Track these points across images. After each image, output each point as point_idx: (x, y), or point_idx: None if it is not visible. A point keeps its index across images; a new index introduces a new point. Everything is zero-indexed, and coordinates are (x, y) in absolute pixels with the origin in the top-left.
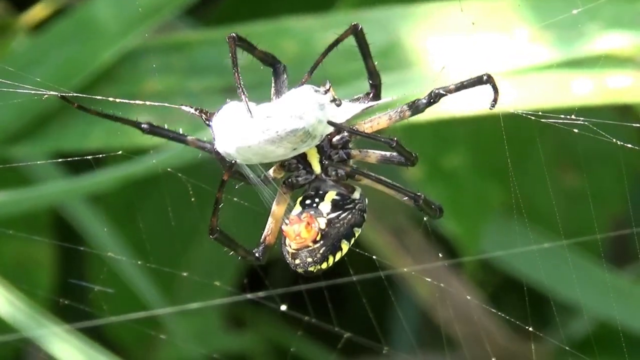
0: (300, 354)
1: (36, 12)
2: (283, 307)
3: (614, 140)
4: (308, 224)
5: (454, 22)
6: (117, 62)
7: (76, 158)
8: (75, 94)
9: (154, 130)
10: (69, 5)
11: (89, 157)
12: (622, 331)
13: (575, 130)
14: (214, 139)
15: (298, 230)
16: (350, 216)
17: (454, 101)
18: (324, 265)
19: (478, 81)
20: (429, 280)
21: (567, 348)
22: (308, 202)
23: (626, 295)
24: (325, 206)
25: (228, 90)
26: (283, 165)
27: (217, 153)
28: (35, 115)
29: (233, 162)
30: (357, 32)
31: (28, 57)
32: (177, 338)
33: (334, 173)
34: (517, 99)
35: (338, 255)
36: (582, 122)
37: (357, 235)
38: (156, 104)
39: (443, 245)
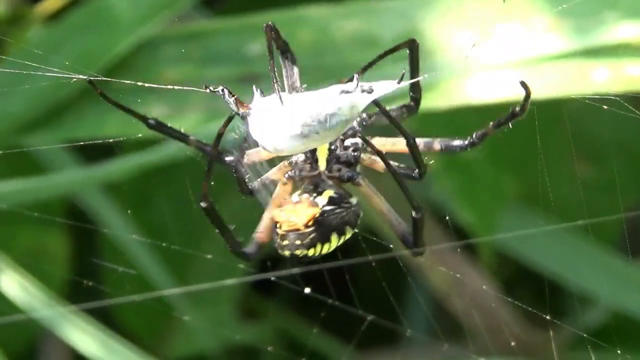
0: (318, 342)
1: (51, 2)
2: (307, 290)
3: None
4: (308, 205)
5: (472, 10)
6: (133, 52)
7: (93, 142)
8: (102, 78)
9: (159, 126)
10: None
11: (109, 140)
12: (639, 321)
13: (605, 107)
14: (248, 130)
15: (293, 211)
16: (344, 213)
17: (472, 90)
18: (311, 252)
19: (512, 116)
20: (444, 270)
21: (585, 335)
22: (305, 195)
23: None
24: (321, 200)
25: (244, 79)
26: (291, 161)
27: (219, 158)
28: (50, 104)
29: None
30: (413, 47)
31: (43, 47)
32: (191, 328)
33: (337, 172)
34: (535, 87)
35: (326, 247)
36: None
37: (348, 235)
38: (185, 88)
39: (459, 236)
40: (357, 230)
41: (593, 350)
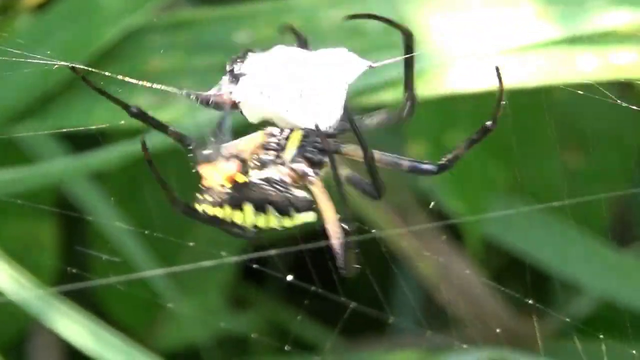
0: (303, 331)
1: None
2: (289, 277)
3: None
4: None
5: None
6: (120, 41)
7: (81, 129)
8: (85, 68)
9: (141, 114)
10: None
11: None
12: (626, 310)
13: (580, 92)
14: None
15: (216, 169)
16: (273, 194)
17: (458, 78)
18: (217, 212)
19: (483, 132)
20: (431, 256)
21: (567, 320)
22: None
23: (630, 274)
24: (258, 174)
25: None
26: (263, 145)
27: (195, 147)
28: (37, 93)
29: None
30: (408, 37)
31: (30, 37)
32: (180, 316)
33: (298, 165)
34: (522, 75)
35: (238, 215)
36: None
37: (272, 217)
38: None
39: (446, 225)
40: (293, 221)
41: (580, 339)
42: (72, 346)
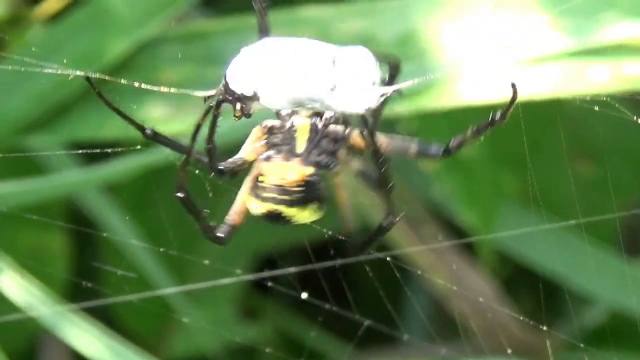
0: (317, 345)
1: (51, 3)
2: (304, 295)
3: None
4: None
5: (471, 9)
6: (133, 53)
7: (94, 150)
8: (100, 76)
9: (155, 136)
10: None
11: (107, 149)
12: (638, 321)
13: (596, 108)
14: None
15: (285, 167)
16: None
17: (469, 90)
18: (286, 211)
19: (491, 124)
20: (443, 270)
21: (580, 345)
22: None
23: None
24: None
25: None
26: (268, 140)
27: (218, 170)
28: (50, 105)
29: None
30: (396, 65)
31: (43, 48)
32: (191, 328)
33: (316, 157)
34: (534, 86)
35: (300, 215)
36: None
37: (316, 212)
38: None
39: (459, 235)
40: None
41: (590, 351)
42: (82, 356)
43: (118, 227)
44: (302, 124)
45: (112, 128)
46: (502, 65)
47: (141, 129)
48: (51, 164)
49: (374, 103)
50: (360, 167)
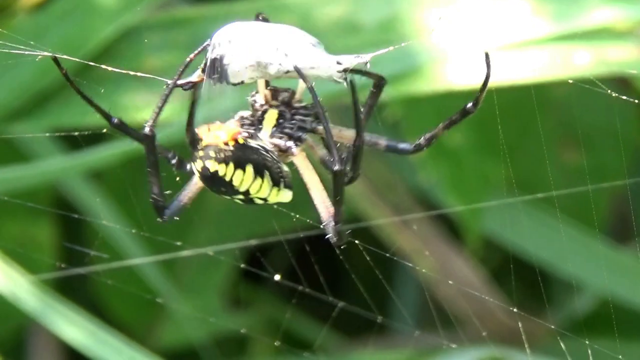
0: (294, 329)
1: None
2: (277, 277)
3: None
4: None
5: None
6: (116, 40)
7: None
8: (82, 62)
9: (121, 127)
10: None
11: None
12: (624, 308)
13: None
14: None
15: (219, 127)
16: (269, 161)
17: (455, 75)
18: (222, 169)
19: (463, 114)
20: (430, 255)
21: (563, 331)
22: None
23: (628, 271)
24: (252, 141)
25: None
26: (242, 120)
27: (179, 164)
28: (34, 92)
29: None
30: (380, 84)
31: (27, 36)
32: (179, 317)
33: (280, 141)
34: (518, 71)
35: (238, 175)
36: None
37: (266, 184)
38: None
39: (446, 224)
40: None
41: (576, 339)
42: (70, 346)
43: (104, 214)
44: (270, 112)
45: (96, 115)
46: (485, 50)
47: (108, 118)
48: (36, 150)
49: (334, 71)
50: (323, 155)
